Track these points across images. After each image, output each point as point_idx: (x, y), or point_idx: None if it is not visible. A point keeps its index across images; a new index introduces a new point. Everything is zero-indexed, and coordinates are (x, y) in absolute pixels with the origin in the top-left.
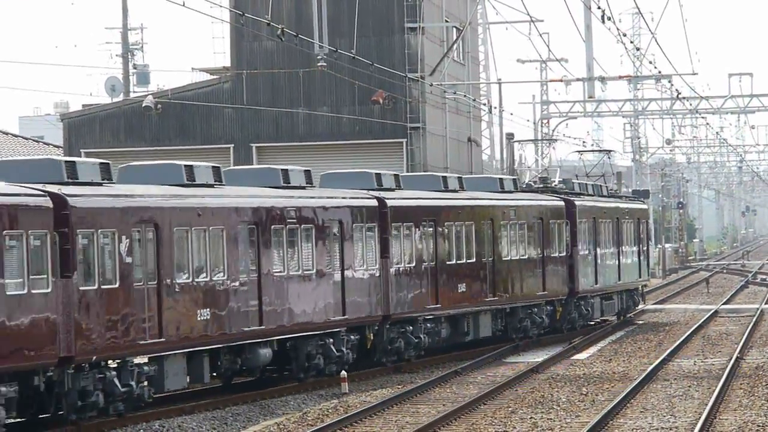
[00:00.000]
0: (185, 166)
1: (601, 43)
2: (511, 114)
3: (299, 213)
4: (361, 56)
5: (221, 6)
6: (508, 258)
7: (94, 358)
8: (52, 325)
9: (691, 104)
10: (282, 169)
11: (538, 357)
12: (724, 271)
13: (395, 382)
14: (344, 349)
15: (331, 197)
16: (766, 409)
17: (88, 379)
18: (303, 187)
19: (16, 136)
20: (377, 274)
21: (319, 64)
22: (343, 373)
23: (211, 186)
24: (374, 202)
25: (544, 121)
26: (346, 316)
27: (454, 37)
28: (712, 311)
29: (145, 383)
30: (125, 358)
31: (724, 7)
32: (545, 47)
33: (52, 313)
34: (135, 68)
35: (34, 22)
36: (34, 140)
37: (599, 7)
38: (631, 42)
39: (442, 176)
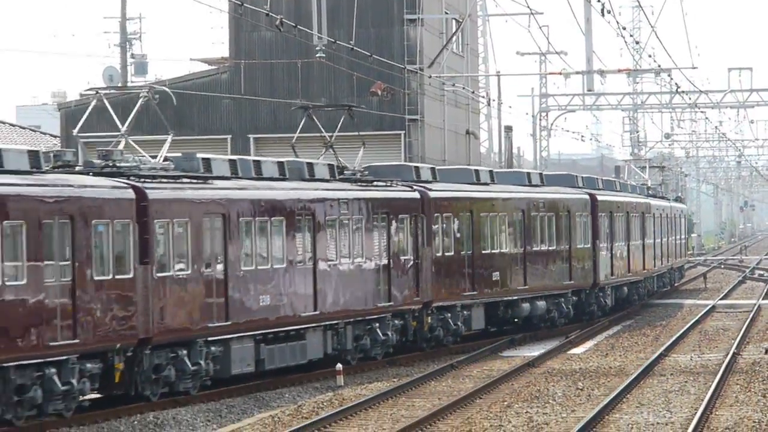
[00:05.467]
0: None
1: (600, 36)
2: (510, 107)
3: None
4: (359, 47)
5: None
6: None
7: None
8: None
9: (690, 98)
10: None
11: (534, 351)
12: (722, 266)
13: (390, 376)
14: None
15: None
16: (762, 404)
17: None
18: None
19: (12, 125)
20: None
21: (317, 55)
22: (339, 365)
23: None
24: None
25: (543, 114)
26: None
27: (454, 29)
28: (710, 306)
29: None
30: None
31: (724, 1)
32: (545, 40)
33: None
34: (133, 58)
35: (32, 11)
36: (31, 129)
37: (599, 0)
38: (631, 35)
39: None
